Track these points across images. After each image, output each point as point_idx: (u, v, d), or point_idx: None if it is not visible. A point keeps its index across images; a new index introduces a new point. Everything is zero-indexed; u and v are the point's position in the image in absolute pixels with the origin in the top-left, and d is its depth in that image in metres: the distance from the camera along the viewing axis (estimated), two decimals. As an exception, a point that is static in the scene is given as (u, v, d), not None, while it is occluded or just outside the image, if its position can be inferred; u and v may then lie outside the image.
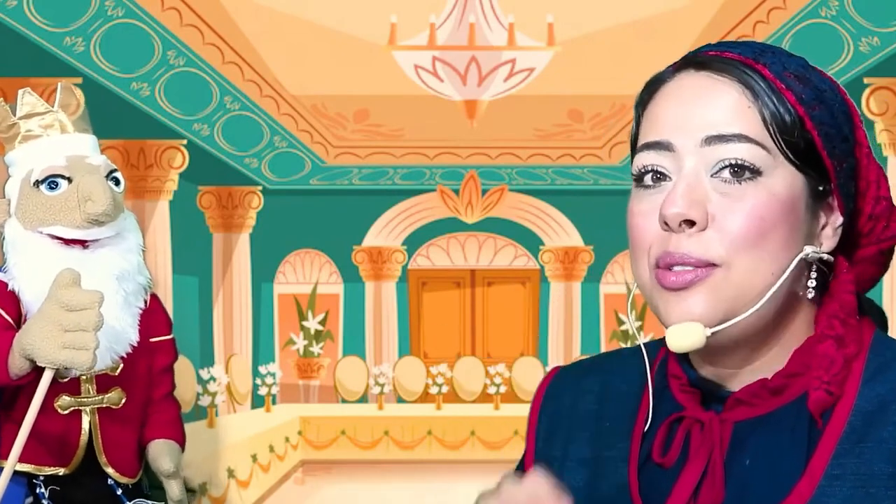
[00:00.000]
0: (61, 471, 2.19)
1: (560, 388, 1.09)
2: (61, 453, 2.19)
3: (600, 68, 6.44)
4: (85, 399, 2.19)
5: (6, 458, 2.15)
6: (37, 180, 2.10)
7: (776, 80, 0.90)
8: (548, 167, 9.55)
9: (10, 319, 2.05)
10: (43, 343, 1.79)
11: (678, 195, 0.89)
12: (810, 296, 0.93)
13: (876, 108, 5.93)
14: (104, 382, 2.22)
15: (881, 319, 1.00)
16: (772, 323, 0.93)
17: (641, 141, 0.93)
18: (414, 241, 10.78)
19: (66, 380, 2.12)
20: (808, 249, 0.92)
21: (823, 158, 0.91)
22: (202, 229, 9.69)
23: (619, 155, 8.13)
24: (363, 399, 9.69)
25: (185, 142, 7.63)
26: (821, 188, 0.91)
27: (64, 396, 2.18)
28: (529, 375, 9.68)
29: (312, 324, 10.32)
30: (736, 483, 0.92)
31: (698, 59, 0.92)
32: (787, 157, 0.89)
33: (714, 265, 0.89)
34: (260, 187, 9.66)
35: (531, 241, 10.83)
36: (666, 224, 0.89)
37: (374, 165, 9.51)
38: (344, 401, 9.64)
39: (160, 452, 2.26)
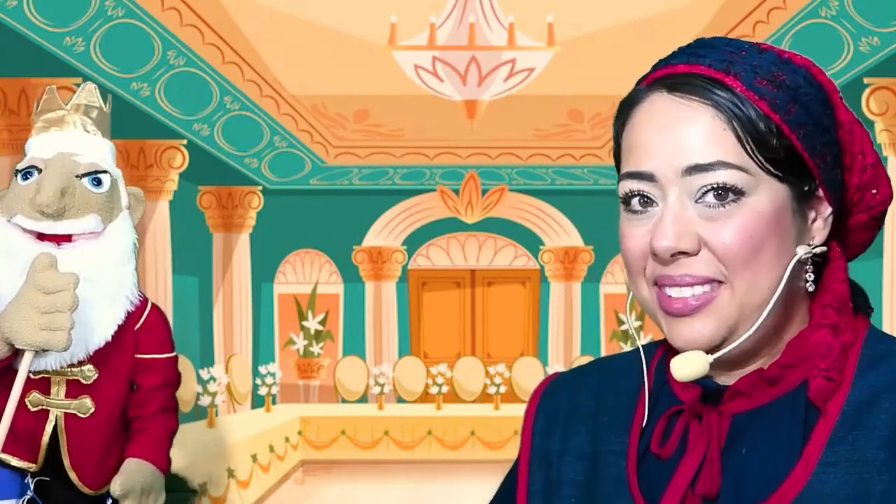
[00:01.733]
0: (33, 467, 2.19)
1: (558, 388, 1.10)
2: (28, 448, 2.18)
3: (600, 68, 6.44)
4: (53, 401, 2.18)
5: None
6: (17, 169, 2.12)
7: (748, 92, 0.91)
8: (548, 167, 9.56)
9: None
10: (20, 325, 1.80)
11: (666, 228, 0.91)
12: (811, 289, 0.95)
13: (876, 108, 5.94)
14: (75, 389, 2.19)
15: (864, 301, 1.01)
16: (771, 325, 0.94)
17: (624, 168, 0.96)
18: (414, 241, 10.80)
19: (37, 375, 2.12)
20: (800, 251, 0.93)
21: (806, 160, 0.92)
22: (202, 229, 9.71)
23: (619, 155, 8.07)
24: (363, 399, 9.70)
25: (185, 142, 7.64)
26: (806, 188, 0.93)
27: (35, 393, 2.17)
28: (529, 375, 9.69)
29: (312, 324, 10.34)
30: (732, 472, 0.94)
31: (668, 81, 0.94)
32: (768, 172, 0.91)
33: (716, 281, 0.92)
34: (260, 187, 9.68)
35: (531, 241, 10.85)
36: (657, 256, 0.92)
37: (374, 165, 9.53)
38: (344, 401, 9.66)
39: (121, 471, 2.21)
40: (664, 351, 1.03)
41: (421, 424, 8.18)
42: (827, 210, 0.95)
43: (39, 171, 2.12)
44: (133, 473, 2.24)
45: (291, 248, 10.12)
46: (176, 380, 2.38)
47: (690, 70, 0.94)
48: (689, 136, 0.92)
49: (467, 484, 7.14)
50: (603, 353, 7.87)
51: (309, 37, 6.58)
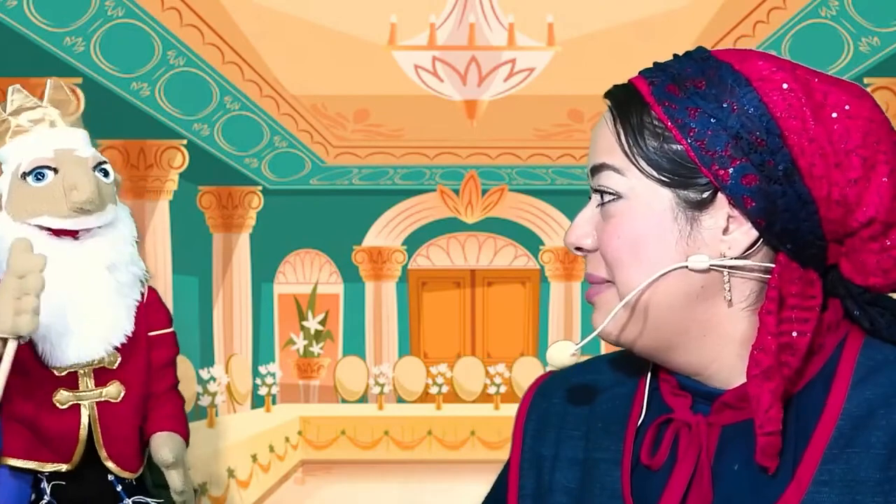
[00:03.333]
0: (63, 467, 2.19)
1: (551, 388, 1.09)
2: (62, 449, 2.18)
3: (600, 68, 6.43)
4: (83, 393, 2.19)
5: (5, 454, 2.16)
6: (24, 172, 2.11)
7: (650, 97, 0.93)
8: (548, 167, 9.55)
9: None
10: (1, 312, 1.82)
11: (573, 225, 1.00)
12: (733, 300, 0.93)
13: (876, 109, 5.92)
14: (102, 376, 2.21)
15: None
16: (696, 334, 0.93)
17: None
18: (414, 241, 10.79)
19: (63, 372, 2.12)
20: (693, 261, 0.92)
21: (698, 167, 0.91)
22: (202, 229, 9.70)
23: (619, 155, 8.06)
24: (363, 399, 9.70)
25: (185, 142, 7.63)
26: (704, 195, 0.91)
27: (62, 391, 2.17)
28: (529, 375, 9.67)
29: (312, 324, 10.34)
30: (724, 487, 0.93)
31: (608, 91, 1.01)
32: (649, 177, 0.92)
33: (608, 281, 0.97)
34: (260, 187, 9.67)
35: (531, 241, 10.85)
36: None
37: (374, 165, 9.52)
38: (344, 401, 9.65)
39: (161, 444, 2.25)
40: None
41: (421, 424, 8.18)
42: (743, 224, 0.92)
43: (53, 169, 2.12)
44: (174, 443, 2.29)
45: (291, 248, 10.12)
46: (177, 354, 2.43)
47: (630, 80, 0.98)
48: (595, 139, 0.99)
49: (467, 484, 7.13)
50: (603, 353, 7.86)
51: (309, 37, 6.58)
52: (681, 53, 0.97)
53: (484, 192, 9.62)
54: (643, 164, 0.93)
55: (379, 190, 9.76)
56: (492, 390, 8.84)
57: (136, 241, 2.23)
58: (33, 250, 1.84)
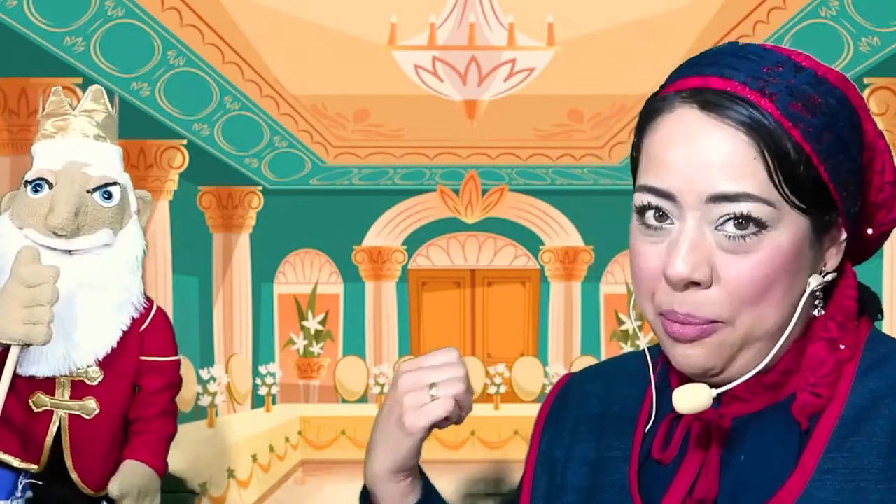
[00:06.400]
0: (34, 468, 2.18)
1: (568, 395, 1.10)
2: (31, 449, 2.18)
3: (600, 68, 6.43)
4: (58, 402, 2.18)
5: None
6: (27, 180, 2.11)
7: (783, 119, 0.87)
8: (548, 167, 9.54)
9: None
10: (3, 320, 1.81)
11: (681, 255, 0.90)
12: (817, 313, 0.93)
13: (876, 108, 5.93)
14: (80, 390, 2.20)
15: (875, 305, 0.99)
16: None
17: (643, 178, 0.93)
18: (414, 241, 10.76)
19: (44, 377, 2.11)
20: (813, 283, 0.91)
21: (831, 191, 0.89)
22: (202, 229, 9.68)
23: (620, 155, 8.12)
24: (363, 399, 9.67)
25: (185, 142, 7.62)
26: (827, 218, 0.90)
27: (39, 394, 2.17)
28: (529, 375, 9.67)
29: (312, 324, 10.31)
30: (730, 478, 0.93)
31: (700, 96, 0.90)
32: (793, 206, 0.88)
33: (719, 322, 0.90)
34: (260, 187, 9.65)
35: (531, 241, 10.81)
36: (669, 281, 0.90)
37: (374, 165, 9.50)
38: (344, 401, 9.63)
39: (119, 472, 2.22)
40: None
41: (421, 424, 8.17)
42: (842, 236, 0.93)
43: (49, 184, 2.11)
44: (131, 475, 2.25)
45: (291, 248, 10.10)
46: (178, 383, 2.39)
47: (725, 87, 0.90)
48: (717, 161, 0.89)
49: (467, 484, 7.13)
50: (603, 353, 7.86)
51: (309, 37, 6.58)
52: (684, 52, 0.95)
53: (484, 192, 9.60)
54: (789, 193, 0.88)
55: (379, 190, 9.75)
56: (492, 390, 8.82)
57: (139, 265, 2.21)
58: (41, 260, 1.83)
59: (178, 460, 2.51)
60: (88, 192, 2.09)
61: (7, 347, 1.92)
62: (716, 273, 0.89)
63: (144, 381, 2.29)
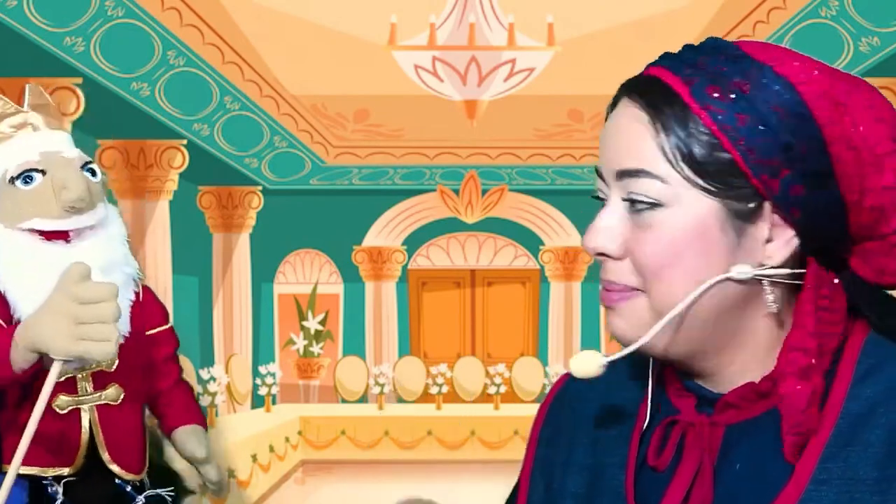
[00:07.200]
0: (66, 471, 2.18)
1: (567, 395, 1.09)
2: (64, 454, 2.18)
3: (600, 68, 6.44)
4: (83, 397, 2.19)
5: (9, 462, 2.15)
6: (12, 177, 2.11)
7: (692, 100, 0.90)
8: (548, 167, 9.56)
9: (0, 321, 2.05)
10: (57, 336, 1.79)
11: (595, 228, 0.94)
12: (773, 310, 0.93)
13: (876, 108, 5.93)
14: (101, 379, 2.20)
15: (886, 309, 0.98)
16: (727, 340, 0.93)
17: None
18: (414, 241, 10.80)
19: (62, 378, 2.12)
20: (735, 272, 0.91)
21: (748, 177, 0.90)
22: (202, 229, 9.71)
23: (619, 155, 8.08)
24: (363, 399, 9.70)
25: (185, 142, 7.64)
26: (751, 205, 0.90)
27: (61, 396, 2.17)
28: (529, 375, 9.70)
29: (312, 324, 10.34)
30: (725, 486, 0.93)
31: (630, 84, 0.95)
32: (694, 185, 0.90)
33: (636, 289, 0.93)
34: (260, 187, 9.68)
35: (531, 241, 10.85)
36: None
37: (374, 165, 9.53)
38: (344, 401, 9.66)
39: (187, 439, 2.24)
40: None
41: (421, 424, 8.19)
42: (787, 233, 0.92)
43: (41, 171, 2.12)
44: (200, 436, 2.29)
45: (291, 248, 10.12)
46: (177, 347, 2.43)
47: (655, 73, 0.94)
48: (624, 140, 0.93)
49: (467, 484, 7.14)
50: (603, 353, 7.86)
51: (309, 37, 6.58)
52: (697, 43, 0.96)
53: (484, 192, 9.63)
54: (689, 172, 0.90)
55: (379, 190, 9.77)
56: (492, 390, 8.84)
57: (128, 240, 2.23)
58: (92, 276, 1.83)
59: (177, 460, 2.51)
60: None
61: (35, 367, 1.92)
62: (628, 247, 0.93)
63: (154, 353, 2.32)
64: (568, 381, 1.09)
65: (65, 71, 5.58)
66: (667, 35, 5.90)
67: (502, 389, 9.08)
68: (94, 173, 2.14)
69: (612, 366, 1.08)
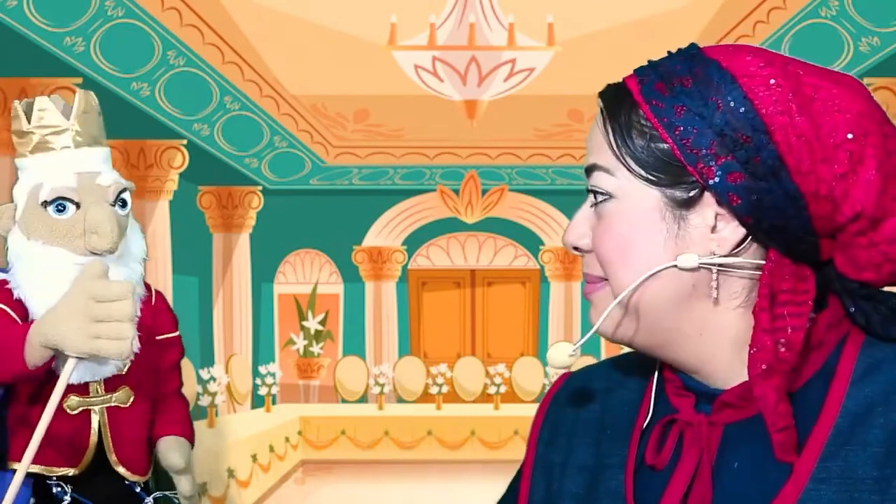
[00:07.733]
0: (71, 471, 2.19)
1: (566, 395, 1.10)
2: (71, 454, 2.18)
3: (600, 68, 6.43)
4: (94, 399, 2.19)
5: (16, 459, 2.15)
6: (45, 200, 2.07)
7: (638, 96, 0.93)
8: (548, 167, 9.56)
9: (17, 319, 2.04)
10: (72, 333, 1.79)
11: (570, 225, 1.00)
12: (721, 298, 0.94)
13: (876, 108, 5.93)
14: (112, 381, 2.21)
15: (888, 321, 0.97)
16: (694, 331, 0.94)
17: None
18: (414, 241, 10.80)
19: (79, 382, 2.12)
20: (682, 261, 0.92)
21: (684, 165, 0.92)
22: (202, 229, 9.71)
23: (619, 155, 8.09)
24: (363, 399, 9.70)
25: (185, 142, 7.64)
26: (691, 194, 0.92)
27: (73, 397, 2.17)
28: (529, 375, 9.70)
29: (312, 324, 10.34)
30: (724, 485, 0.93)
31: (603, 89, 1.01)
32: (638, 176, 0.92)
33: (604, 279, 0.98)
34: (260, 187, 9.68)
35: (531, 241, 10.86)
36: None
37: (374, 165, 9.53)
38: (344, 401, 9.66)
39: (169, 449, 2.26)
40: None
41: (421, 424, 8.19)
42: (732, 222, 0.92)
43: (74, 203, 2.08)
44: (183, 448, 2.30)
45: (291, 248, 10.12)
46: (182, 357, 2.45)
47: (623, 78, 0.97)
48: (589, 139, 0.99)
49: (467, 484, 7.14)
50: (603, 354, 7.87)
51: (309, 37, 6.58)
52: (674, 51, 0.97)
53: (484, 192, 9.63)
54: (631, 163, 0.93)
55: (379, 190, 9.77)
56: (492, 390, 8.85)
57: (145, 259, 2.22)
58: (108, 275, 1.83)
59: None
60: (111, 205, 2.09)
61: (48, 364, 1.92)
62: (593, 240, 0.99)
63: (162, 359, 2.33)
64: (566, 381, 1.10)
65: (65, 71, 5.59)
66: (667, 35, 5.90)
67: (502, 389, 9.08)
68: (124, 204, 2.11)
69: (612, 366, 1.08)
